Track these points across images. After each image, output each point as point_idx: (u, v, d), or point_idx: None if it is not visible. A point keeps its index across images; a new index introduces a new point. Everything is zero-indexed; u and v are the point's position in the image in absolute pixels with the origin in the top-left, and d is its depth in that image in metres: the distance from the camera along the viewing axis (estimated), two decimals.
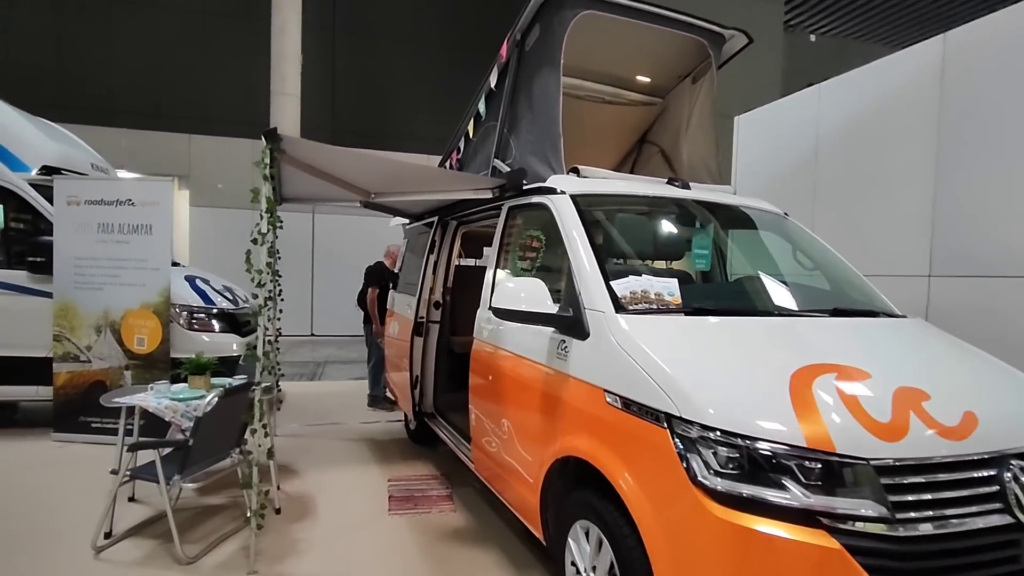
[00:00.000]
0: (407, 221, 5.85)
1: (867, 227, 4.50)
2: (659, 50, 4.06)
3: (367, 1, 15.35)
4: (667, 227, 3.21)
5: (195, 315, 5.35)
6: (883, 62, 4.48)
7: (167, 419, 3.38)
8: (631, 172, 4.68)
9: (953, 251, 3.92)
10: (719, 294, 2.92)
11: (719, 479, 1.77)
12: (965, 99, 3.87)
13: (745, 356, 2.15)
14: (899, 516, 1.68)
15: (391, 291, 5.89)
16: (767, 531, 1.67)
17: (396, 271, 6.21)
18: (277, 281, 3.63)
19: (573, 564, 2.46)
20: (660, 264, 3.45)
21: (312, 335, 12.18)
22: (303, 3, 12.03)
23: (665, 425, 1.92)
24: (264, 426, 3.03)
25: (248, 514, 3.35)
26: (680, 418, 1.88)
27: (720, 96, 4.06)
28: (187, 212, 11.99)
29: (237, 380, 3.87)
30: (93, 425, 5.01)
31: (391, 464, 4.72)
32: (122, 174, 8.21)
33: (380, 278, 6.36)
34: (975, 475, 1.82)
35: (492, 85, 4.04)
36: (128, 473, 3.16)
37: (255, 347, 5.79)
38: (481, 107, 4.27)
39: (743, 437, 1.77)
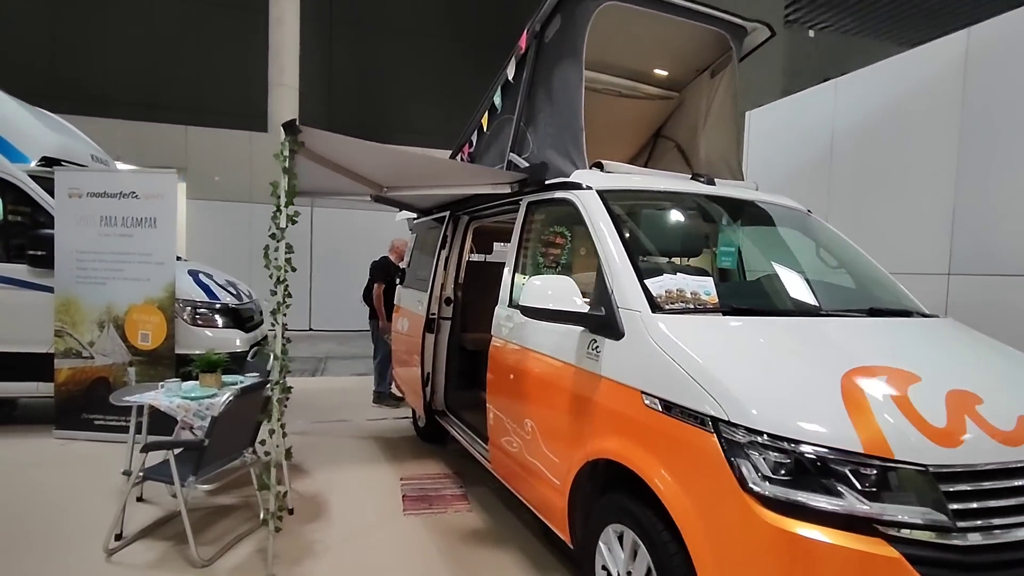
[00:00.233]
0: (414, 216, 5.77)
1: (884, 224, 4.46)
2: (678, 43, 3.99)
3: None
4: (694, 224, 3.15)
5: (199, 310, 5.25)
6: (903, 57, 4.43)
7: (179, 418, 3.30)
8: (645, 167, 4.62)
9: (974, 249, 3.89)
10: (752, 293, 2.86)
11: (771, 485, 1.72)
12: (988, 95, 3.83)
13: (791, 358, 2.09)
14: (960, 524, 1.64)
15: (398, 286, 5.81)
16: (823, 539, 1.62)
17: (400, 265, 6.13)
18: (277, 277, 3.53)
19: (604, 568, 2.41)
20: (676, 261, 3.40)
21: (311, 330, 12.07)
22: None
23: (712, 429, 1.86)
24: (283, 426, 2.96)
25: (262, 515, 3.30)
26: (729, 422, 1.82)
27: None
28: (184, 205, 11.82)
29: (249, 378, 3.80)
30: (96, 422, 4.92)
31: (402, 462, 4.66)
32: (120, 167, 8.05)
33: (386, 273, 6.27)
34: None
35: (510, 77, 3.95)
36: (141, 474, 3.07)
37: (261, 343, 5.79)
38: (497, 99, 4.18)
39: (796, 442, 1.72)
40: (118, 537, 3.19)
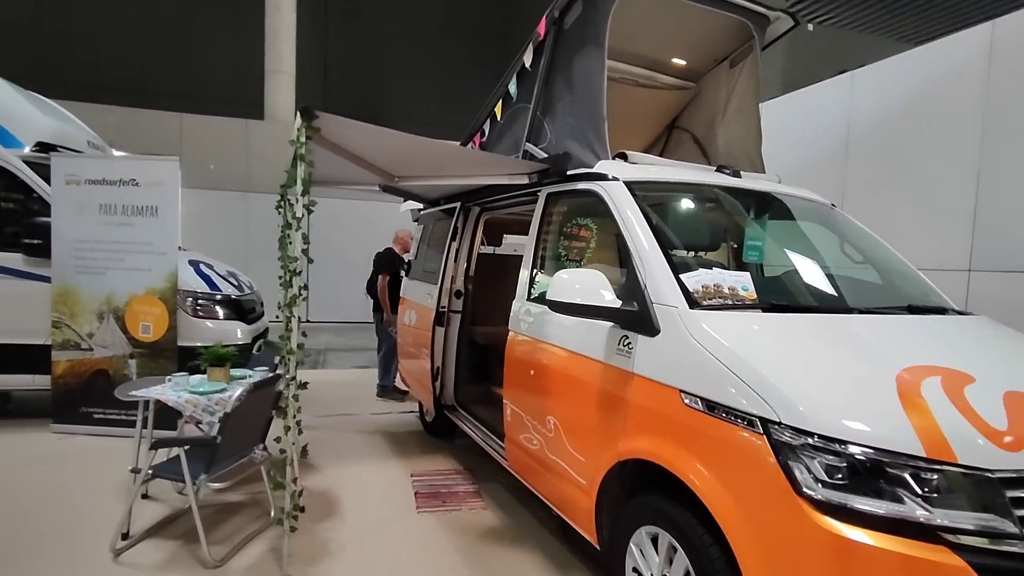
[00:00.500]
0: (419, 206, 5.65)
1: (902, 220, 4.40)
2: (699, 31, 3.90)
3: None
4: (722, 217, 3.07)
5: (200, 301, 5.13)
6: (924, 49, 4.36)
7: (186, 413, 3.20)
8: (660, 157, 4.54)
9: (995, 245, 3.83)
10: (787, 289, 2.78)
11: (827, 490, 1.65)
12: (1013, 88, 3.77)
13: (840, 357, 2.02)
14: None
15: (404, 278, 5.71)
16: (884, 547, 1.56)
17: (406, 257, 6.02)
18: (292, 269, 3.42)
19: (635, 571, 2.34)
20: (698, 255, 3.32)
21: (308, 321, 11.93)
22: None
23: (761, 431, 1.79)
24: (299, 423, 2.86)
25: (274, 513, 3.21)
26: (780, 424, 1.75)
27: None
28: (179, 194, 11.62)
29: (257, 372, 3.70)
30: (96, 416, 4.79)
31: (411, 458, 4.57)
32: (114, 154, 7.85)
33: (391, 265, 6.16)
34: None
35: (526, 64, 3.84)
36: (151, 471, 2.97)
37: (262, 335, 5.67)
38: (512, 87, 4.07)
39: (855, 445, 1.65)
40: (125, 536, 3.08)
